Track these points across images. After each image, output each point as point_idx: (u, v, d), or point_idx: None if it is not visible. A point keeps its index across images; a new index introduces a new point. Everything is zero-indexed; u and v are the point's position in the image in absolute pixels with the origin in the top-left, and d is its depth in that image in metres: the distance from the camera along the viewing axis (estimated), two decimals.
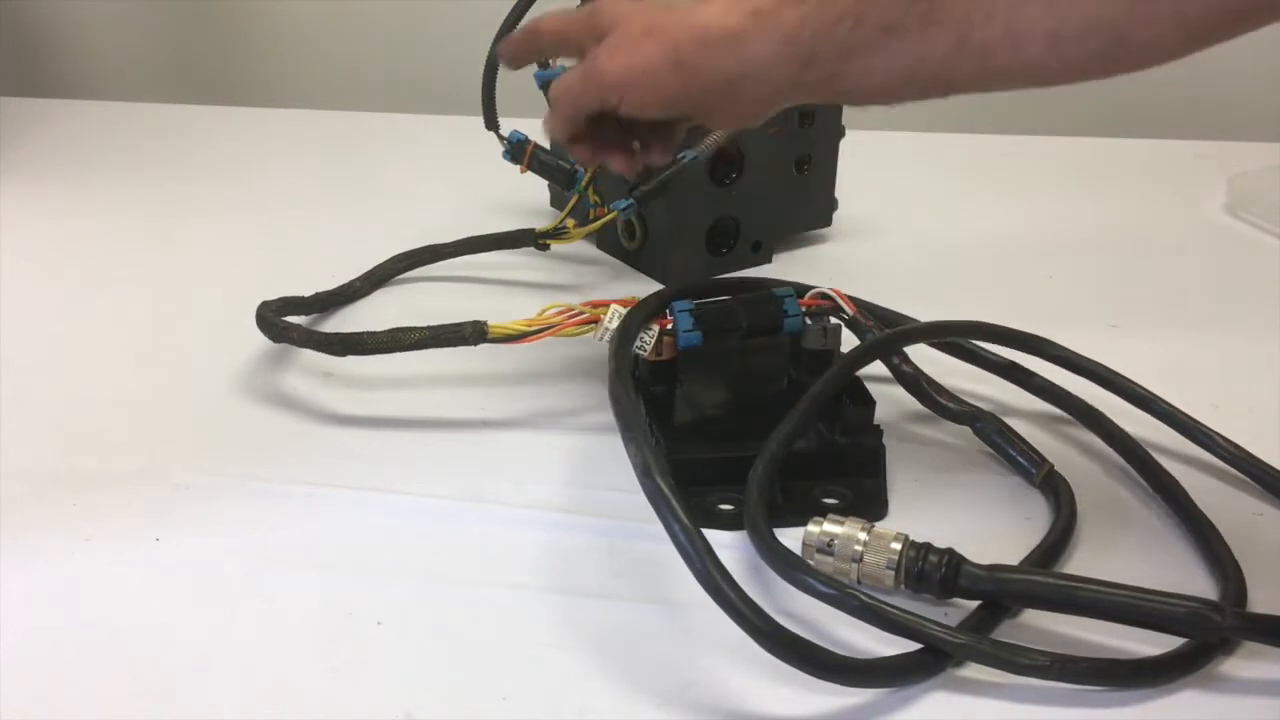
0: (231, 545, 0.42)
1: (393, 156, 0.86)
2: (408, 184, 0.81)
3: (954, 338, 0.52)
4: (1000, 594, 0.38)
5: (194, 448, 0.48)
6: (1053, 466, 0.46)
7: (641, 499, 0.37)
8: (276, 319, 0.51)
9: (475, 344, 0.48)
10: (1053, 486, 0.45)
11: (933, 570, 0.38)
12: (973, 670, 0.36)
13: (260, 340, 0.52)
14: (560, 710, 0.35)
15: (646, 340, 0.46)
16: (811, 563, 0.39)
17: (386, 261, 0.64)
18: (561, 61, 0.62)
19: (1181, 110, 1.06)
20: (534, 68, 0.63)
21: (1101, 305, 0.63)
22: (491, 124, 0.64)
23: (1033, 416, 0.51)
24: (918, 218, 0.76)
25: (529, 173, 0.63)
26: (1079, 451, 0.49)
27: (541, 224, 0.64)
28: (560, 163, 0.63)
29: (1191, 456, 0.48)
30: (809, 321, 0.49)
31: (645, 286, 0.64)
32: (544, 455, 0.48)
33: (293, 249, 0.69)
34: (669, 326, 0.47)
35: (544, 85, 0.62)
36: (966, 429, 0.48)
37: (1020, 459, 0.46)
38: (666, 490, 0.37)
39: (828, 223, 0.71)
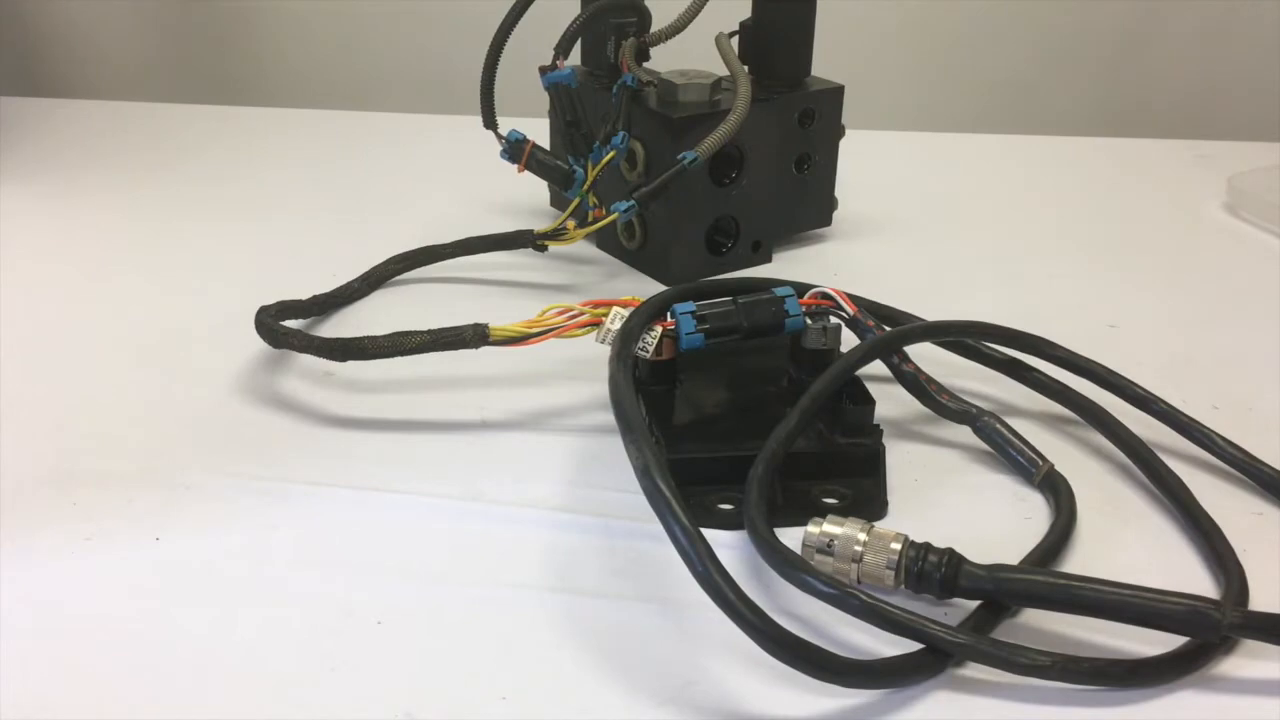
0: (231, 545, 0.42)
1: (391, 156, 0.86)
2: (406, 184, 0.81)
3: (954, 337, 0.53)
4: (1000, 593, 0.38)
5: (194, 448, 0.48)
6: (1053, 466, 0.46)
7: (641, 499, 0.37)
8: (276, 325, 0.51)
9: (476, 347, 0.48)
10: (1052, 486, 0.45)
11: (933, 570, 0.38)
12: (973, 670, 0.36)
13: (260, 340, 0.52)
14: (560, 710, 0.35)
15: (649, 341, 0.46)
16: (811, 563, 0.39)
17: (384, 262, 0.64)
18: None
19: (1181, 110, 1.07)
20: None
21: (1101, 305, 0.63)
22: (490, 123, 0.64)
23: (1033, 416, 0.51)
24: (918, 218, 0.76)
25: (528, 172, 0.63)
26: (1079, 450, 0.49)
27: (541, 224, 0.64)
28: (558, 163, 0.63)
29: (1191, 456, 0.48)
30: (809, 321, 0.49)
31: (645, 286, 0.64)
32: (544, 455, 0.48)
33: (292, 248, 0.69)
34: (671, 328, 0.47)
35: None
36: (966, 428, 0.48)
37: (1020, 458, 0.46)
38: (666, 490, 0.36)
39: (828, 223, 0.71)
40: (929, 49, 1.10)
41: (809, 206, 0.70)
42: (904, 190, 0.81)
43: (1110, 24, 1.08)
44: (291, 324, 0.54)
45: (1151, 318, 0.62)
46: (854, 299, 0.50)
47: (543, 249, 0.64)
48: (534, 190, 0.72)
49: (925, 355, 0.51)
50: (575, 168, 0.62)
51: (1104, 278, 0.67)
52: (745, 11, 0.67)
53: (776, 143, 0.65)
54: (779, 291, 0.49)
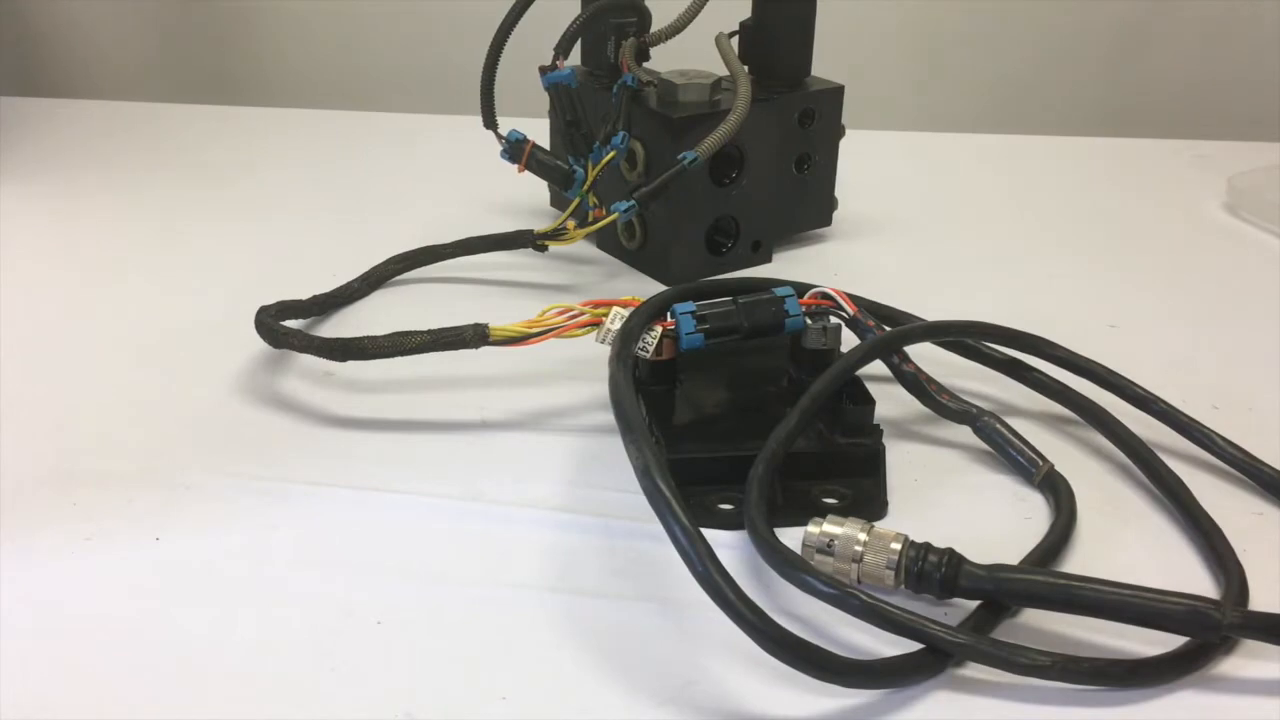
0: (231, 545, 0.42)
1: (392, 156, 0.87)
2: (406, 184, 0.81)
3: (954, 337, 0.53)
4: (1000, 593, 0.38)
5: (194, 448, 0.48)
6: (1052, 466, 0.46)
7: (641, 499, 0.37)
8: (277, 325, 0.51)
9: (476, 347, 0.48)
10: (1052, 486, 0.45)
11: (933, 570, 0.38)
12: (973, 670, 0.36)
13: (260, 340, 0.52)
14: (560, 710, 0.35)
15: (649, 341, 0.46)
16: (811, 563, 0.39)
17: (384, 262, 0.64)
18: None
19: (1181, 110, 1.07)
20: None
21: (1101, 305, 0.63)
22: (490, 123, 0.64)
23: (1033, 416, 0.51)
24: (918, 218, 0.76)
25: (528, 172, 0.63)
26: (1079, 450, 0.49)
27: (541, 224, 0.64)
28: (558, 163, 0.63)
29: (1191, 456, 0.48)
30: (809, 321, 0.49)
31: (645, 286, 0.64)
32: (544, 455, 0.48)
33: (292, 248, 0.69)
34: (671, 328, 0.47)
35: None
36: (966, 428, 0.48)
37: (1020, 458, 0.46)
38: (666, 490, 0.36)
39: (828, 223, 0.71)
40: (929, 49, 1.10)
41: (809, 206, 0.70)
42: (904, 190, 0.81)
43: (1110, 24, 1.08)
44: (291, 324, 0.54)
45: (1151, 318, 0.62)
46: (854, 299, 0.50)
47: (543, 249, 0.64)
48: (534, 190, 0.72)
49: (925, 355, 0.51)
50: (575, 168, 0.62)
51: (1104, 278, 0.67)
52: (745, 11, 0.67)
53: (776, 143, 0.65)
54: (779, 291, 0.49)
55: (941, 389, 0.49)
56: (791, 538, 0.40)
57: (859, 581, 0.39)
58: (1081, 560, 0.42)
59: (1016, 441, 0.47)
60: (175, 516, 0.43)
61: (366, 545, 0.42)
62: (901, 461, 0.47)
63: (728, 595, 0.34)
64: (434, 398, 0.52)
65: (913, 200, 0.79)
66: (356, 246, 0.65)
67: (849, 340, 0.49)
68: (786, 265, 0.68)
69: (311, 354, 0.50)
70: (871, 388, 0.47)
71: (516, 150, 0.63)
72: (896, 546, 0.38)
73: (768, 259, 0.68)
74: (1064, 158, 0.90)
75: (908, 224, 0.75)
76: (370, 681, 0.36)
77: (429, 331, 0.48)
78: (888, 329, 0.49)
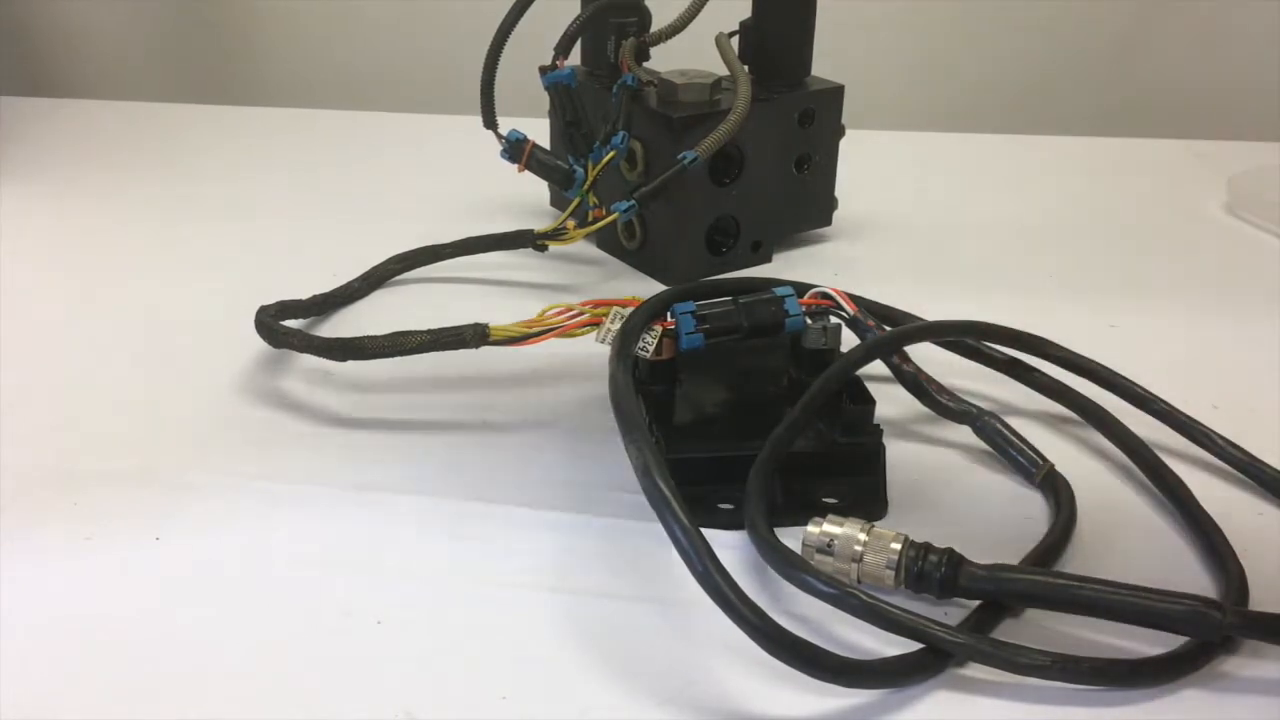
0: (231, 545, 0.42)
1: (392, 156, 0.87)
2: (406, 184, 0.81)
3: (954, 337, 0.53)
4: (1001, 593, 0.38)
5: (194, 448, 0.48)
6: (1053, 465, 0.46)
7: (641, 499, 0.37)
8: (276, 324, 0.51)
9: (476, 347, 0.48)
10: (1053, 485, 0.45)
11: (933, 570, 0.38)
12: (974, 670, 0.36)
13: (260, 340, 0.52)
14: (560, 710, 0.35)
15: (649, 341, 0.46)
16: (811, 563, 0.39)
17: (384, 262, 0.64)
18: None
19: (1181, 110, 1.07)
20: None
21: (1101, 305, 0.63)
22: (490, 122, 0.64)
23: (1034, 415, 0.51)
24: (918, 218, 0.76)
25: (528, 172, 0.63)
26: (1079, 450, 0.49)
27: (541, 223, 0.64)
28: (558, 162, 0.63)
29: (1191, 456, 0.48)
30: (809, 321, 0.49)
31: (645, 286, 0.64)
32: (544, 455, 0.48)
33: (292, 248, 0.69)
34: (671, 328, 0.47)
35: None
36: (966, 428, 0.48)
37: (1020, 458, 0.46)
38: (666, 490, 0.36)
39: (828, 222, 0.71)
40: (929, 49, 1.10)
41: (809, 206, 0.70)
42: (904, 190, 0.81)
43: (1110, 24, 1.08)
44: (291, 324, 0.54)
45: (1151, 318, 0.62)
46: (854, 299, 0.50)
47: (543, 249, 0.64)
48: (534, 190, 0.72)
49: (925, 355, 0.51)
50: (575, 168, 0.62)
51: (1104, 278, 0.67)
52: (745, 11, 0.67)
53: (776, 143, 0.65)
54: (779, 291, 0.49)
55: (941, 389, 0.49)
56: (791, 538, 0.40)
57: (859, 581, 0.39)
58: (1081, 560, 0.42)
59: (1016, 441, 0.47)
60: (175, 516, 0.43)
61: (366, 545, 0.42)
62: (901, 461, 0.47)
63: (728, 595, 0.34)
64: (434, 398, 0.52)
65: (913, 200, 0.79)
66: (356, 246, 0.65)
67: (849, 340, 0.49)
68: (786, 265, 0.68)
69: (311, 354, 0.50)
70: (871, 388, 0.47)
71: (516, 150, 0.63)
72: (896, 546, 0.38)
73: (768, 259, 0.68)
74: (1064, 158, 0.90)
75: (908, 224, 0.75)
76: (370, 681, 0.36)
77: (429, 331, 0.48)
78: (888, 329, 0.49)
